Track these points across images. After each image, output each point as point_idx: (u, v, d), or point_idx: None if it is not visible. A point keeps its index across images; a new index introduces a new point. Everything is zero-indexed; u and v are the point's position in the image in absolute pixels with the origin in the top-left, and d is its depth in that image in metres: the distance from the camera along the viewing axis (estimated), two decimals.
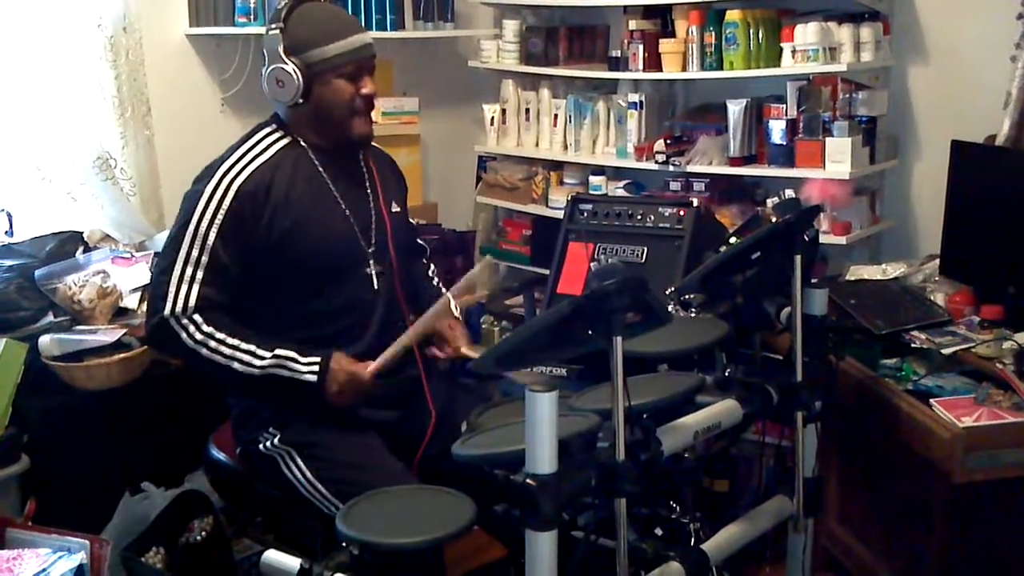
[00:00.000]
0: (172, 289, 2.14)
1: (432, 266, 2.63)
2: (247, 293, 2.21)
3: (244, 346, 2.15)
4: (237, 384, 2.21)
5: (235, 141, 2.28)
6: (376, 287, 2.30)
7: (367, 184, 2.35)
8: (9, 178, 3.08)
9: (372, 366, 2.19)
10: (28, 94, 3.00)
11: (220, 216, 2.15)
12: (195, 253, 2.15)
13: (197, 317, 2.14)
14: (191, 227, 2.15)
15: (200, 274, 2.14)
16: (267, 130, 2.28)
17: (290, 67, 2.17)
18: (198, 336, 2.14)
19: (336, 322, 2.26)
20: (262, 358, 2.14)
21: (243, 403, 2.29)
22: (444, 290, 2.51)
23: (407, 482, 2.10)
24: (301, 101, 2.20)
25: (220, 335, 2.14)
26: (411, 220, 2.63)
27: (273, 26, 2.20)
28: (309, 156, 2.27)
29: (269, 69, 2.21)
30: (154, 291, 2.20)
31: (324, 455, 2.19)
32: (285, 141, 2.27)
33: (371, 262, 2.30)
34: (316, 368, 2.16)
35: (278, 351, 2.15)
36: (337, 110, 2.23)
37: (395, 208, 2.40)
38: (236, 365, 2.14)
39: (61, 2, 2.99)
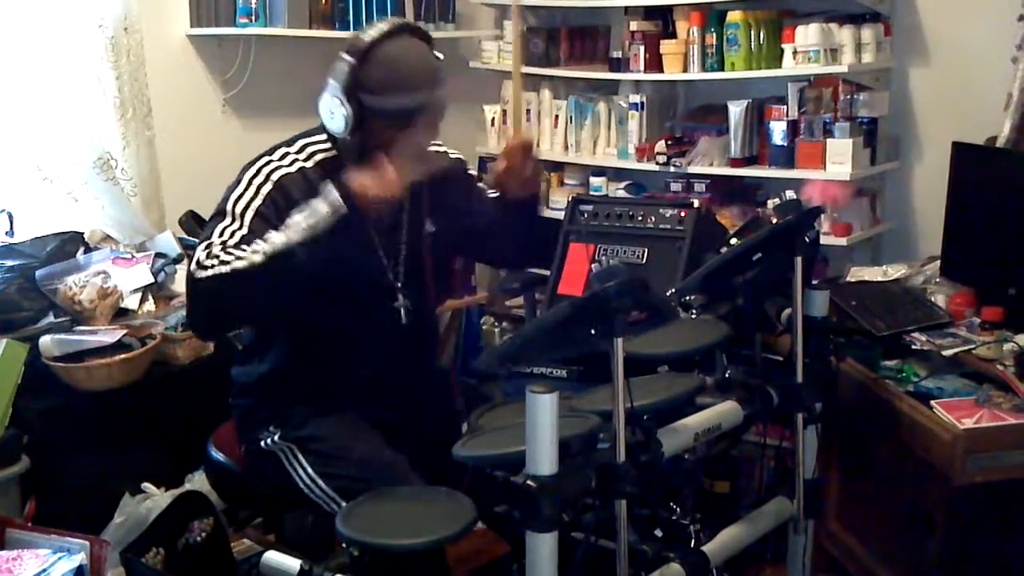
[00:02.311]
0: (201, 249, 2.01)
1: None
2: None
3: (248, 246, 1.99)
4: (258, 294, 2.02)
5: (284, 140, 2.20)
6: (404, 322, 2.24)
7: (403, 213, 2.23)
8: (10, 178, 3.08)
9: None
10: (29, 94, 3.00)
11: (259, 199, 2.08)
12: (233, 226, 2.04)
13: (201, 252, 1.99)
14: (229, 204, 2.07)
15: (233, 240, 2.01)
16: (316, 138, 2.19)
17: (345, 109, 2.06)
18: (206, 262, 1.97)
19: (351, 348, 2.20)
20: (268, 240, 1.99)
21: (245, 403, 2.28)
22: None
23: (410, 480, 2.07)
24: (348, 137, 2.11)
25: (221, 253, 1.98)
26: (481, 200, 2.41)
27: (349, 57, 2.08)
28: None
29: (325, 97, 2.11)
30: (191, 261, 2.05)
31: (326, 451, 2.17)
32: (329, 155, 2.17)
33: (400, 296, 2.23)
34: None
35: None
36: (380, 155, 2.08)
37: (429, 228, 2.26)
38: (241, 264, 1.96)
39: (62, 3, 2.99)
